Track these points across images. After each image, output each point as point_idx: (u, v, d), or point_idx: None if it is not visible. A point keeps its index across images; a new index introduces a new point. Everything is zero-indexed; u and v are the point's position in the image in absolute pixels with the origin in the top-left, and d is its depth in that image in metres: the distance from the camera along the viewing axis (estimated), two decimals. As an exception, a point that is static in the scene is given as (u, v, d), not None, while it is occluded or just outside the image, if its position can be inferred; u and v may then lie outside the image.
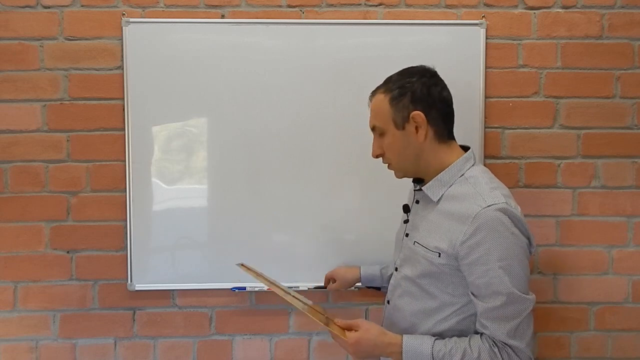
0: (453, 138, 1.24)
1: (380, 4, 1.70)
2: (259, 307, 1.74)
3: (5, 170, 1.68)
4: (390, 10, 1.70)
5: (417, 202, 1.30)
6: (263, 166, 1.68)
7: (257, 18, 1.68)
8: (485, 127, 1.70)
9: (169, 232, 1.69)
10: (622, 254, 1.74)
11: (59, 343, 1.72)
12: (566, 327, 1.76)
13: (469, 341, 1.13)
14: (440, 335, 1.17)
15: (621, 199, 1.73)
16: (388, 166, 1.27)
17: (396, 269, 1.31)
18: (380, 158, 1.27)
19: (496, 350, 1.10)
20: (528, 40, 1.71)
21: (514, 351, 1.10)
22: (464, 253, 1.11)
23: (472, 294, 1.14)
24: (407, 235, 1.29)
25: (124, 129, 1.67)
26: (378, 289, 1.60)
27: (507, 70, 1.71)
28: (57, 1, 1.67)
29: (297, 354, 1.75)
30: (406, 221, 1.32)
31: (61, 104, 1.68)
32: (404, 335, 1.16)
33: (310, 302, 1.34)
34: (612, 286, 1.75)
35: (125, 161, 1.68)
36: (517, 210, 1.14)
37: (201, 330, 1.74)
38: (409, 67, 1.24)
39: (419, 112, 1.17)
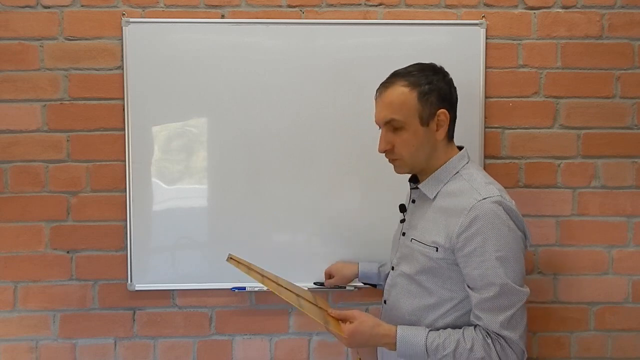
0: (453, 138, 1.27)
1: (380, 4, 1.70)
2: (259, 307, 1.74)
3: (5, 170, 1.68)
4: (390, 10, 1.70)
5: (414, 201, 1.31)
6: (263, 166, 1.68)
7: (257, 18, 1.68)
8: (485, 127, 1.70)
9: (169, 232, 1.69)
10: (622, 254, 1.74)
11: (59, 343, 1.72)
12: (566, 327, 1.76)
13: (463, 332, 1.14)
14: None
15: (621, 199, 1.73)
16: (391, 160, 1.26)
17: (393, 268, 1.32)
18: (380, 156, 1.27)
19: (489, 341, 1.11)
20: (528, 40, 1.71)
21: (507, 342, 1.11)
22: (460, 245, 1.13)
23: (467, 286, 1.15)
24: (403, 234, 1.30)
25: (124, 129, 1.67)
26: (374, 286, 1.61)
27: (507, 70, 1.71)
28: (57, 1, 1.67)
29: (297, 354, 1.75)
30: (402, 220, 1.33)
31: (61, 104, 1.68)
32: (399, 326, 1.18)
33: (304, 291, 1.35)
34: (612, 286, 1.75)
35: (125, 161, 1.68)
36: (512, 204, 1.16)
37: (201, 330, 1.74)
38: (422, 63, 1.24)
39: (444, 110, 1.20)
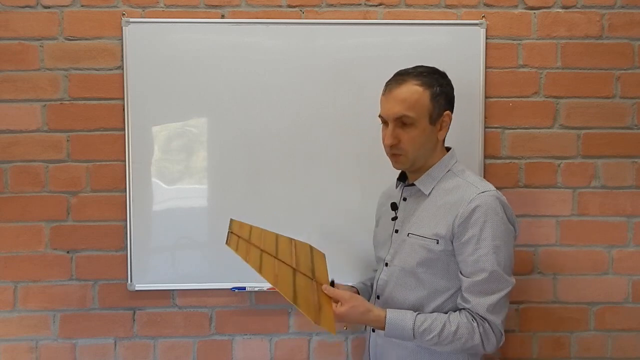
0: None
1: (380, 4, 1.70)
2: (259, 307, 1.74)
3: (5, 170, 1.68)
4: (390, 10, 1.70)
5: (405, 199, 1.35)
6: (263, 166, 1.68)
7: (257, 18, 1.68)
8: (485, 127, 1.70)
9: (169, 232, 1.69)
10: (622, 254, 1.74)
11: (59, 343, 1.72)
12: (566, 327, 1.76)
13: (449, 316, 1.21)
14: None
15: (621, 199, 1.73)
16: (393, 155, 1.29)
17: (386, 264, 1.34)
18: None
19: (475, 324, 1.18)
20: (528, 40, 1.71)
21: (490, 325, 1.18)
22: (459, 232, 1.20)
23: (460, 272, 1.22)
24: (396, 231, 1.33)
25: (124, 129, 1.67)
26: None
27: (507, 70, 1.71)
28: (57, 1, 1.67)
29: (297, 354, 1.75)
30: (394, 218, 1.36)
31: (61, 104, 1.68)
32: (387, 311, 1.22)
33: (303, 252, 1.37)
34: (612, 286, 1.75)
35: (125, 161, 1.68)
36: (504, 199, 1.25)
37: (201, 330, 1.74)
38: (427, 66, 1.29)
39: (449, 113, 1.28)
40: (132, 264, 1.68)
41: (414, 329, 1.19)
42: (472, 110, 1.67)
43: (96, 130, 1.69)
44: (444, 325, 1.18)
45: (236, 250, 1.24)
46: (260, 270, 1.24)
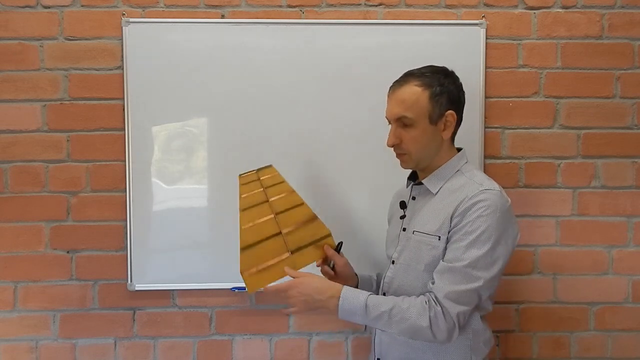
0: (454, 139, 1.34)
1: (380, 4, 1.70)
2: (259, 307, 1.74)
3: (5, 170, 1.68)
4: (390, 10, 1.70)
5: (414, 198, 1.35)
6: (263, 166, 1.68)
7: (257, 18, 1.68)
8: (485, 127, 1.70)
9: (169, 232, 1.69)
10: (622, 254, 1.74)
11: (59, 343, 1.72)
12: (566, 327, 1.76)
13: (403, 297, 1.21)
14: None
15: (621, 199, 1.73)
16: (398, 155, 1.30)
17: (393, 262, 1.34)
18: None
19: (427, 306, 1.17)
20: (528, 40, 1.71)
21: (442, 312, 1.16)
22: (454, 223, 1.20)
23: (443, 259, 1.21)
24: (404, 229, 1.33)
25: (124, 129, 1.67)
26: None
27: (507, 70, 1.71)
28: (57, 1, 1.67)
29: (297, 354, 1.75)
30: (402, 217, 1.36)
31: (61, 104, 1.68)
32: (344, 287, 1.22)
33: (303, 221, 1.37)
34: (612, 286, 1.75)
35: (125, 161, 1.68)
36: (508, 200, 1.23)
37: (201, 330, 1.74)
38: (434, 66, 1.30)
39: (452, 112, 1.26)
40: (132, 264, 1.68)
41: (366, 303, 1.18)
42: (472, 110, 1.67)
43: (96, 130, 1.69)
44: (396, 303, 1.19)
45: (242, 184, 1.25)
46: (242, 209, 1.25)
